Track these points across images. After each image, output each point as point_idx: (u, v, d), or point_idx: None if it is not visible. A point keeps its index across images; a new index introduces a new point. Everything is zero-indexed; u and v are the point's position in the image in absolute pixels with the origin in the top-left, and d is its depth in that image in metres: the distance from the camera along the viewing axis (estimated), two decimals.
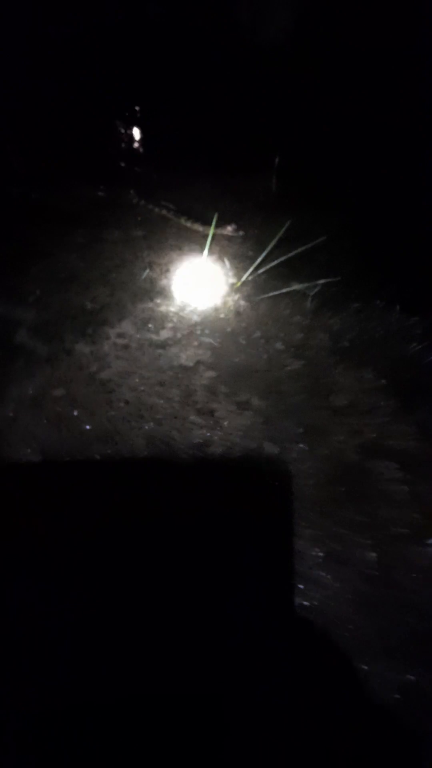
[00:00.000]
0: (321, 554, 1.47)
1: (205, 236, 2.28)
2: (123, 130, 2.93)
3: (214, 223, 2.25)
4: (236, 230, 2.34)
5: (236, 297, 2.07)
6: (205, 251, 2.22)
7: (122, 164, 2.76)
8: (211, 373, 1.83)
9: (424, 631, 1.34)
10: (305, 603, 1.40)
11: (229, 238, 2.33)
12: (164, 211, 2.39)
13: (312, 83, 3.00)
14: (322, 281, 2.11)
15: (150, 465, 1.62)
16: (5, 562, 1.47)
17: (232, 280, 2.13)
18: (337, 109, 2.90)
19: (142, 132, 2.93)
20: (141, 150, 2.85)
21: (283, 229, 2.25)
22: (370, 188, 2.58)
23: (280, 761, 1.22)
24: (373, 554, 1.47)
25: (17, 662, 1.31)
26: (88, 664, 1.32)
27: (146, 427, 1.68)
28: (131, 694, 1.27)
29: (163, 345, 1.91)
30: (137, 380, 1.80)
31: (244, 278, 2.11)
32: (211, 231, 2.26)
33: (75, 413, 1.69)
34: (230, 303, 2.05)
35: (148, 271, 2.13)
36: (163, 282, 2.12)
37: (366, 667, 1.32)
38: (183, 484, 1.60)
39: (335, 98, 2.94)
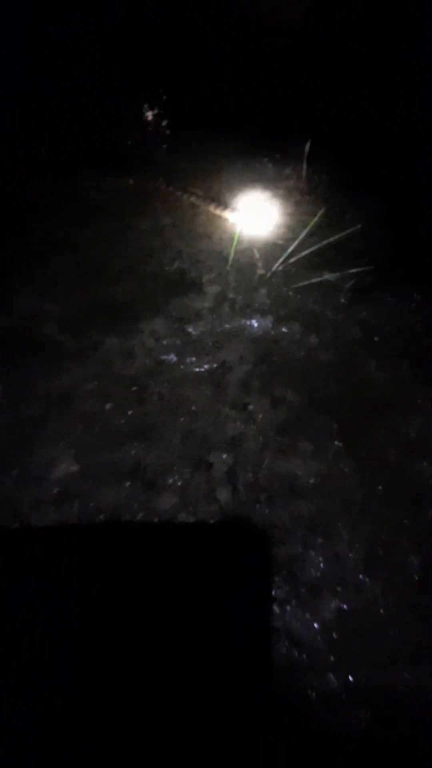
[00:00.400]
0: (359, 557, 1.41)
1: (234, 224, 2.22)
2: (150, 117, 2.87)
3: (239, 213, 2.18)
4: (266, 219, 2.28)
5: (267, 288, 2.01)
6: (234, 240, 2.15)
7: (149, 151, 2.67)
8: (243, 367, 1.78)
9: None
10: (344, 606, 1.34)
11: (259, 227, 2.27)
12: (193, 198, 2.32)
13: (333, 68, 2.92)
14: (355, 270, 2.02)
15: (184, 460, 1.58)
16: (5, 562, 1.46)
17: (262, 270, 2.07)
18: (363, 95, 2.82)
19: (170, 118, 2.85)
20: (168, 136, 2.77)
21: (317, 218, 2.18)
22: (404, 175, 2.47)
23: (280, 761, 1.22)
24: (416, 558, 1.40)
25: (17, 662, 1.31)
26: (88, 664, 1.31)
27: (181, 421, 1.64)
28: (131, 694, 1.27)
29: (195, 338, 1.86)
30: (170, 374, 1.75)
31: (274, 268, 2.05)
32: (238, 220, 2.19)
33: (107, 407, 1.64)
34: (261, 294, 1.99)
35: (177, 261, 2.07)
36: (193, 273, 2.05)
37: (377, 670, 1.30)
38: (213, 479, 1.57)
39: (360, 83, 2.85)
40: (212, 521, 1.49)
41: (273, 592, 1.37)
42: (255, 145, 2.67)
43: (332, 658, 1.27)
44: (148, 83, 3.06)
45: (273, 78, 3.02)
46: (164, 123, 2.85)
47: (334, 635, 1.29)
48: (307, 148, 2.50)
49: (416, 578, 1.37)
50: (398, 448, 1.59)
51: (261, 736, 1.23)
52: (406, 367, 1.77)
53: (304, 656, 1.28)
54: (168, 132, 2.83)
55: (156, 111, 2.93)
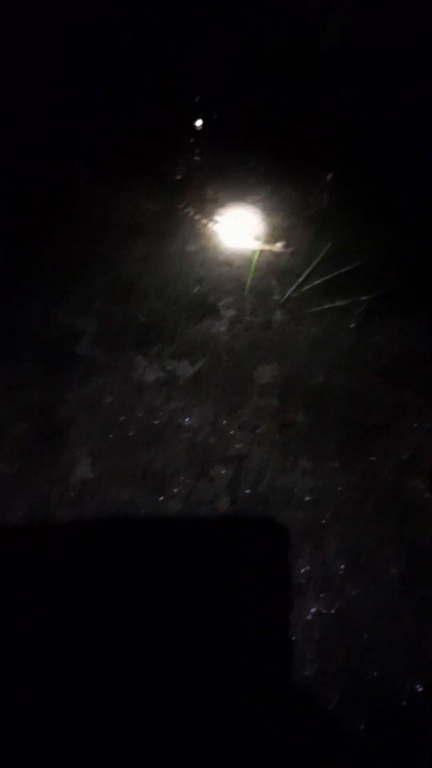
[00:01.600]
0: (344, 566, 1.52)
1: (254, 252, 2.33)
2: (182, 142, 2.96)
3: (260, 241, 2.31)
4: (285, 247, 2.39)
5: (281, 313, 2.12)
6: (252, 268, 2.25)
7: (182, 177, 2.81)
8: (257, 388, 1.89)
9: None
10: (323, 611, 1.44)
11: (277, 255, 2.38)
12: (216, 226, 2.45)
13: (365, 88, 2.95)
14: (365, 297, 2.13)
15: (184, 472, 1.67)
16: (5, 562, 1.47)
17: (277, 296, 2.17)
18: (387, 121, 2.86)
19: (201, 144, 2.98)
20: (198, 160, 2.89)
21: (326, 248, 2.28)
22: (423, 205, 2.56)
23: (280, 761, 1.22)
24: (396, 569, 1.51)
25: (17, 662, 1.32)
26: (88, 664, 1.32)
27: (184, 436, 1.77)
28: (131, 694, 1.27)
29: (210, 359, 1.99)
30: (184, 390, 1.89)
31: (287, 295, 2.15)
32: (258, 248, 2.32)
33: (121, 419, 1.80)
34: (275, 319, 2.10)
35: (198, 287, 2.20)
36: (212, 298, 2.18)
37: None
38: (209, 493, 1.63)
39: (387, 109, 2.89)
40: (210, 525, 1.55)
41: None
42: (279, 173, 2.77)
43: (310, 654, 1.39)
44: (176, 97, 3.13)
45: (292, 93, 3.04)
46: (198, 150, 2.96)
47: (315, 632, 1.42)
48: (328, 179, 2.59)
49: (395, 587, 1.49)
50: (392, 467, 1.70)
51: (261, 736, 1.23)
52: (409, 392, 1.87)
53: (287, 650, 1.39)
54: (201, 158, 2.93)
55: (190, 137, 3.02)
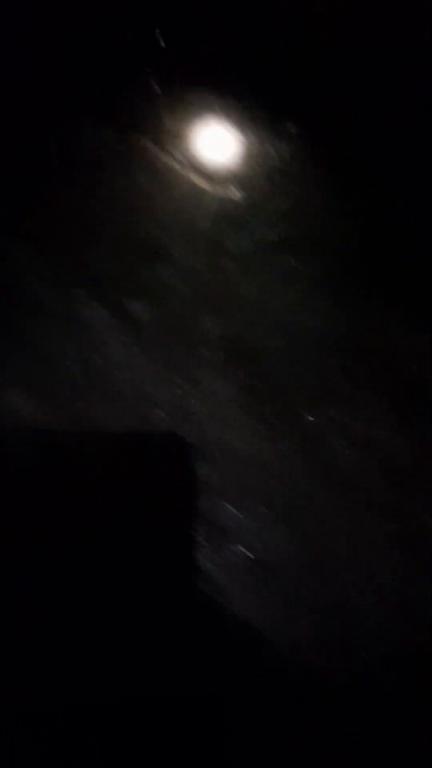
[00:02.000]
0: (278, 518, 1.56)
1: (213, 196, 2.22)
2: (147, 74, 2.78)
3: (221, 184, 2.18)
4: (244, 197, 2.28)
5: (233, 264, 2.05)
6: (209, 214, 2.17)
7: (141, 107, 2.62)
8: (203, 339, 1.87)
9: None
10: (253, 555, 1.50)
11: (234, 204, 2.27)
12: (177, 166, 2.31)
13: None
14: (319, 260, 2.06)
15: (124, 416, 1.68)
16: (5, 562, 1.46)
17: (231, 246, 2.08)
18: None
19: (166, 77, 2.79)
20: (160, 94, 2.71)
21: (287, 206, 2.20)
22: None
23: (280, 761, 1.22)
24: (328, 527, 1.56)
25: (17, 662, 1.31)
26: (88, 664, 1.31)
27: (127, 379, 1.76)
28: (131, 694, 1.27)
29: (160, 308, 1.94)
30: (131, 337, 1.85)
31: (243, 246, 2.07)
32: (216, 193, 2.20)
33: (67, 364, 1.76)
34: (227, 270, 2.04)
35: (152, 228, 2.09)
36: (164, 241, 2.07)
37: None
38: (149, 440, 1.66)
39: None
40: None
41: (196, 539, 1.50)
42: (251, 119, 2.64)
43: (242, 600, 1.43)
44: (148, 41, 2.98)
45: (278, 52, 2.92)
46: (162, 80, 2.77)
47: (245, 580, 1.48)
48: (293, 131, 2.47)
49: (322, 545, 1.54)
50: (332, 434, 1.71)
51: (261, 736, 1.23)
52: (356, 365, 1.85)
53: (221, 596, 1.43)
54: (164, 90, 2.76)
55: (155, 67, 2.83)
